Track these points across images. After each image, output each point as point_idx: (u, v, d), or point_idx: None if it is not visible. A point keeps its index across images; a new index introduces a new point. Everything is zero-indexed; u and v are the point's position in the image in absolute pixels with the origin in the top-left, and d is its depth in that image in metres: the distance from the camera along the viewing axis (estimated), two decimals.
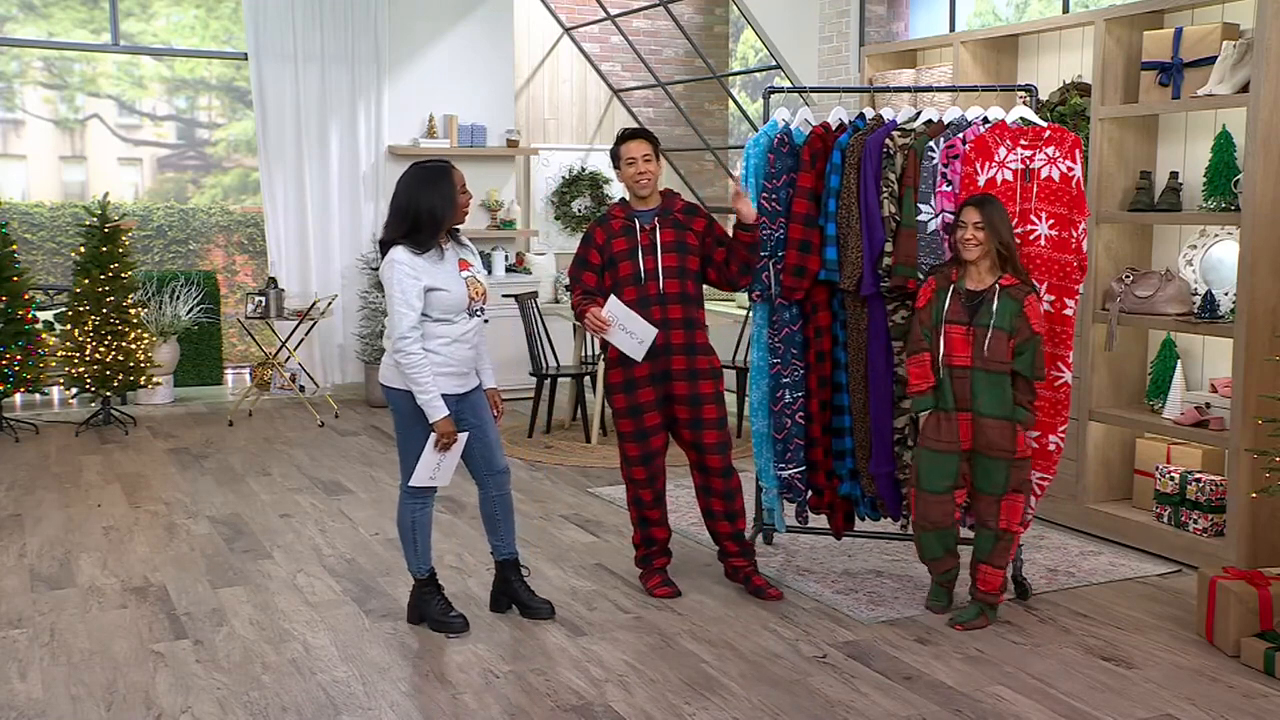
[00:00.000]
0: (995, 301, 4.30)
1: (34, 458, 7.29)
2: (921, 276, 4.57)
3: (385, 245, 4.26)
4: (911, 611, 4.60)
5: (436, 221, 4.20)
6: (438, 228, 4.21)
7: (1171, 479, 5.32)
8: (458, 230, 4.40)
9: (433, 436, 4.23)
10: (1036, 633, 4.40)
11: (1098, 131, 5.60)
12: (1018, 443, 4.34)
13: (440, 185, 4.21)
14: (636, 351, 4.57)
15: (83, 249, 8.10)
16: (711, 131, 11.12)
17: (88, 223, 8.16)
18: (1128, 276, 5.55)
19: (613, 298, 4.59)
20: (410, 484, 4.34)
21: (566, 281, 9.99)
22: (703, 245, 4.69)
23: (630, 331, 4.55)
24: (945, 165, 4.63)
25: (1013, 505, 4.37)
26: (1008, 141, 4.61)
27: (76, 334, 8.03)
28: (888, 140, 4.70)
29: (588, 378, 8.17)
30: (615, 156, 4.69)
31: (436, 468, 4.29)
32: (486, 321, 4.41)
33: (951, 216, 4.52)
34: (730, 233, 4.69)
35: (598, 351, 8.13)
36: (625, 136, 4.68)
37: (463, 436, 4.30)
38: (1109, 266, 5.67)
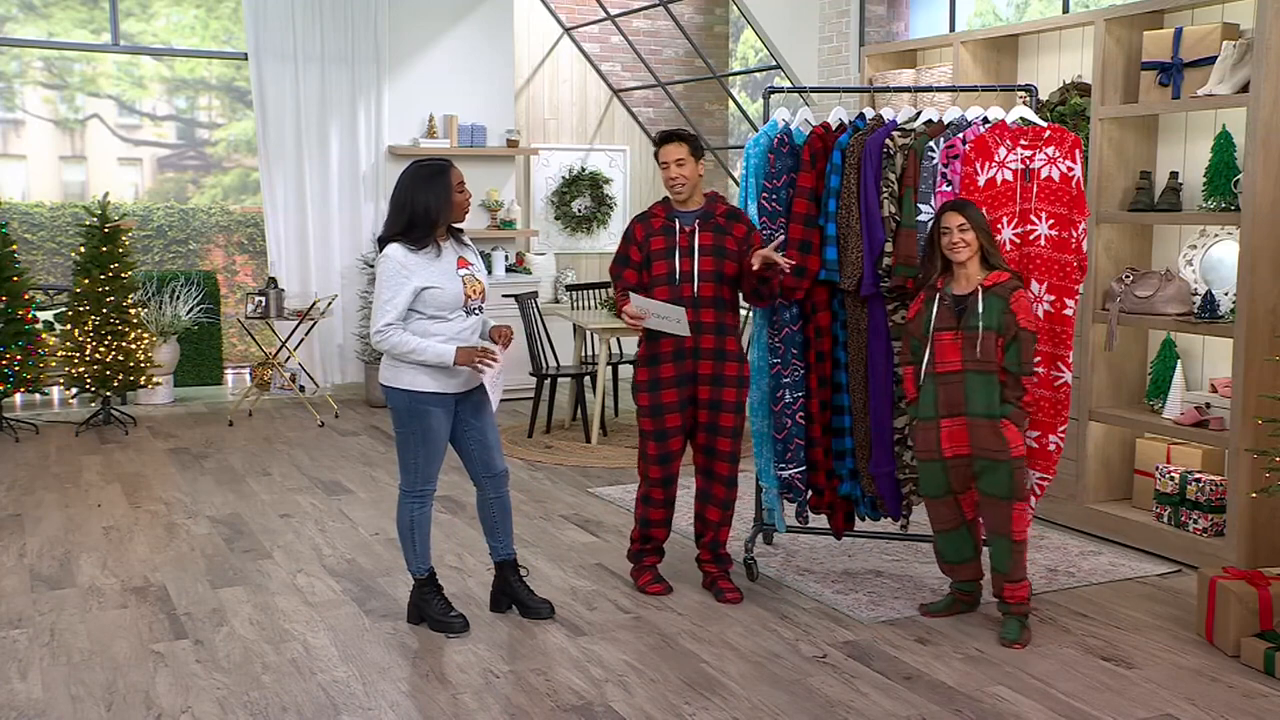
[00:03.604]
0: (981, 302, 4.28)
1: (34, 458, 7.29)
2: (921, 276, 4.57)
3: (383, 241, 4.28)
4: (911, 611, 4.60)
5: (431, 219, 4.21)
6: (432, 225, 4.22)
7: (1171, 479, 5.32)
8: (460, 230, 4.41)
9: (468, 368, 4.23)
10: (1036, 633, 4.40)
11: (1098, 131, 5.60)
12: (1007, 439, 4.26)
13: (437, 183, 4.22)
14: (681, 329, 4.56)
15: (83, 249, 8.11)
16: (711, 131, 11.12)
17: (88, 223, 8.16)
18: (1128, 276, 5.55)
19: (633, 294, 4.62)
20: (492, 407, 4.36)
21: (567, 280, 10.08)
22: (739, 251, 4.63)
23: (664, 316, 4.56)
24: (945, 165, 4.63)
25: (1020, 513, 4.30)
26: (1008, 141, 4.61)
27: (76, 334, 8.03)
28: (888, 140, 4.70)
29: (588, 378, 8.17)
30: (655, 157, 4.68)
31: (495, 384, 4.28)
32: (488, 323, 4.42)
33: None
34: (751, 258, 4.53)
35: (596, 352, 8.13)
36: (661, 139, 4.65)
37: (494, 347, 4.28)
38: (1109, 266, 5.67)
